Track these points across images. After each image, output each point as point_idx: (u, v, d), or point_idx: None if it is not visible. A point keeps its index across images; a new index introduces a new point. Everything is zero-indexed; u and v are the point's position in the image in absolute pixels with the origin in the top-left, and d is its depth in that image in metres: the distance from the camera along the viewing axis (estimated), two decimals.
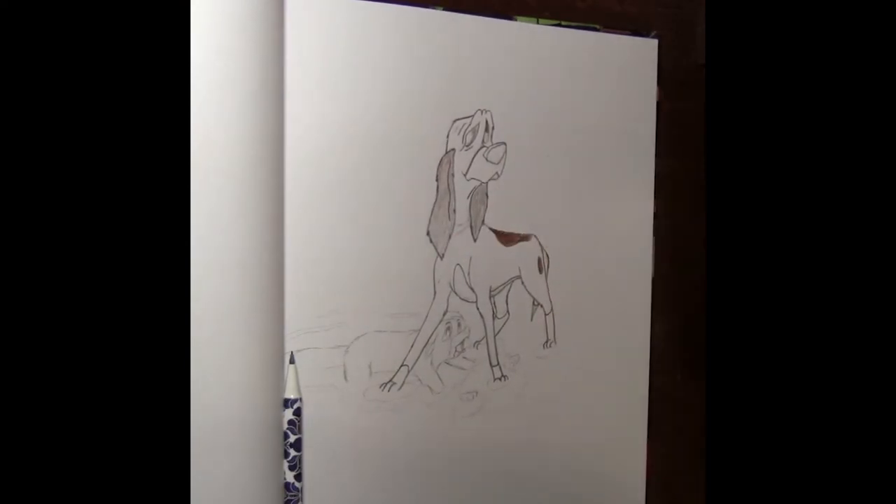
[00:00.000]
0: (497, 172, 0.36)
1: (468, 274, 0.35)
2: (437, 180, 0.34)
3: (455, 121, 0.35)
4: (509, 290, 0.36)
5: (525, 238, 0.37)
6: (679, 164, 0.40)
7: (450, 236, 0.35)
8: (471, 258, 0.35)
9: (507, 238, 0.36)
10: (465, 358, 0.36)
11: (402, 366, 0.34)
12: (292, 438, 0.32)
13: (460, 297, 0.35)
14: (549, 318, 0.37)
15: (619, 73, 0.38)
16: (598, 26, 0.37)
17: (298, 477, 0.32)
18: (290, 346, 0.32)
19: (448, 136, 0.35)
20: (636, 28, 0.38)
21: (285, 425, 0.32)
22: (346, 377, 0.33)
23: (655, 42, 0.39)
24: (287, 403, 0.32)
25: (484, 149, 0.35)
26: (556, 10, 0.37)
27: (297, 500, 0.32)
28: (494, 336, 0.36)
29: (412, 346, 0.34)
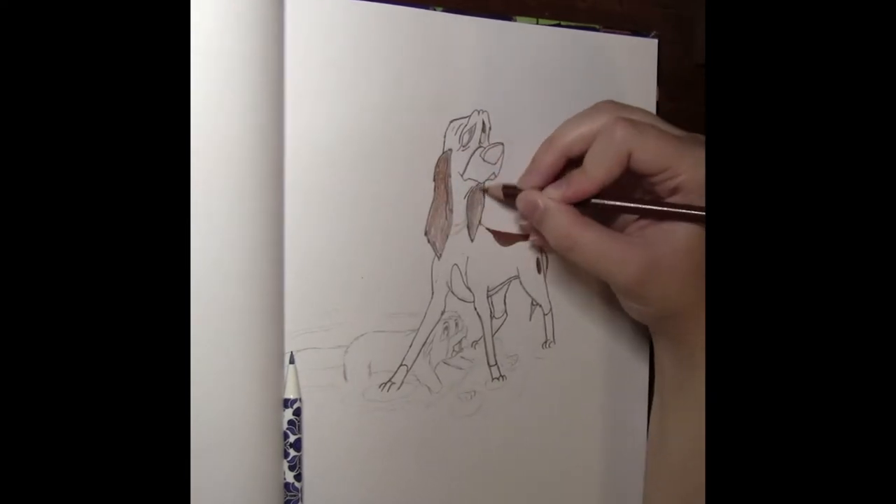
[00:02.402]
0: (494, 173, 0.36)
1: (465, 274, 0.35)
2: (433, 180, 0.35)
3: (452, 121, 0.35)
4: (507, 290, 0.36)
5: (523, 238, 0.37)
6: None
7: (447, 236, 0.35)
8: (468, 258, 0.35)
9: (504, 238, 0.36)
10: (463, 358, 0.36)
11: (401, 365, 0.34)
12: (292, 438, 0.32)
13: (458, 297, 0.35)
14: (548, 318, 0.37)
15: (619, 73, 0.38)
16: (597, 26, 0.37)
17: (298, 477, 0.32)
18: (289, 347, 0.32)
19: (445, 136, 0.35)
20: (636, 28, 0.38)
21: (285, 425, 0.32)
22: (345, 377, 0.33)
23: (655, 42, 0.38)
24: (287, 403, 0.32)
25: (481, 149, 0.35)
26: (556, 10, 0.37)
27: (297, 500, 0.32)
28: (492, 336, 0.36)
29: (410, 345, 0.34)
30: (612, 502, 0.38)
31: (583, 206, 0.33)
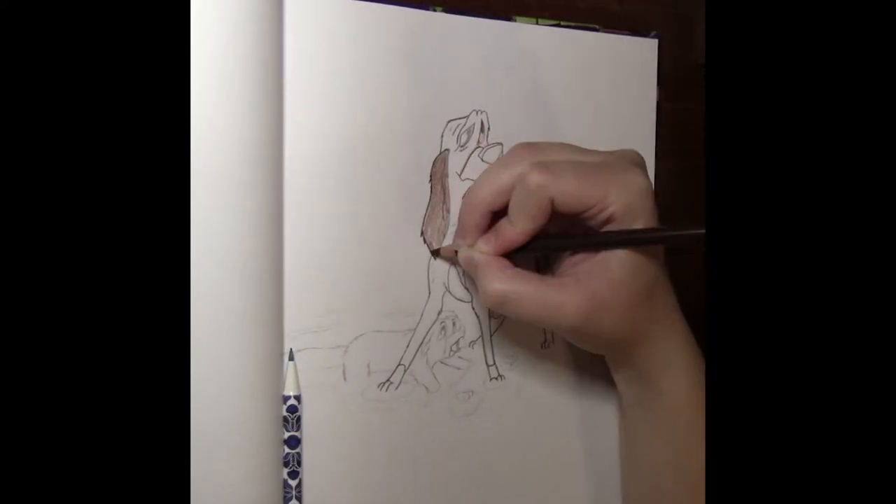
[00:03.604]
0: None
1: (462, 274, 0.35)
2: (430, 180, 0.35)
3: (449, 121, 0.35)
4: None
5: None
6: (679, 164, 0.39)
7: (444, 236, 0.35)
8: None
9: None
10: (460, 357, 0.36)
11: (398, 365, 0.34)
12: (291, 436, 0.32)
13: (455, 297, 0.35)
14: None
15: (618, 73, 0.38)
16: (597, 26, 0.37)
17: (297, 475, 0.32)
18: (289, 346, 0.32)
19: (442, 137, 0.35)
20: (636, 28, 0.38)
21: (284, 423, 0.32)
22: (345, 377, 0.33)
23: (655, 42, 0.38)
24: (286, 400, 0.32)
25: (479, 149, 0.35)
26: (556, 10, 0.37)
27: (296, 499, 0.32)
28: (490, 336, 0.36)
29: (408, 345, 0.34)
30: (611, 502, 0.38)
31: (521, 250, 0.32)
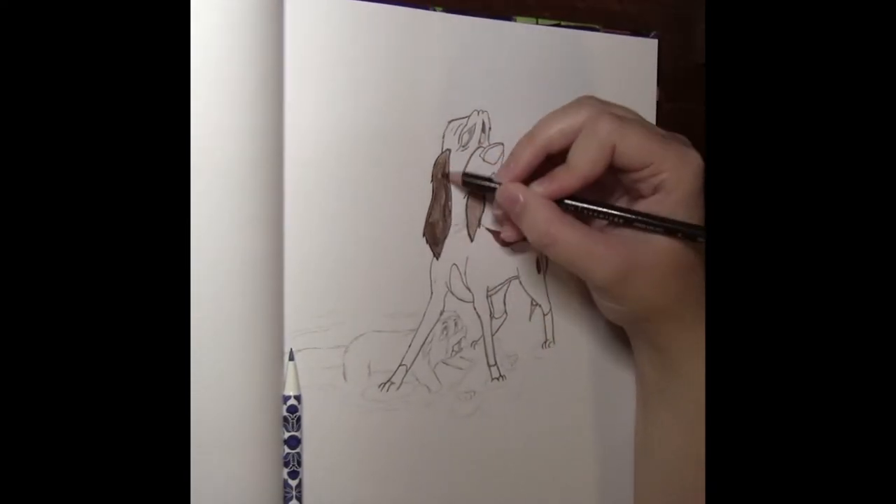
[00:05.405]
0: (494, 173, 0.36)
1: (464, 274, 0.35)
2: (432, 180, 0.35)
3: (451, 121, 0.35)
4: (507, 290, 0.36)
5: (523, 238, 0.36)
6: None
7: (445, 237, 0.35)
8: (467, 258, 0.35)
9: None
10: (462, 358, 0.36)
11: (400, 365, 0.34)
12: (292, 436, 0.32)
13: (457, 297, 0.35)
14: (548, 318, 0.37)
15: (618, 73, 0.38)
16: (597, 26, 0.37)
17: (297, 475, 0.32)
18: (289, 346, 0.32)
19: (443, 137, 0.35)
20: (636, 28, 0.38)
21: (284, 423, 0.32)
22: (345, 377, 0.33)
23: (655, 42, 0.38)
24: (286, 400, 0.32)
25: (480, 149, 0.35)
26: (556, 10, 0.37)
27: (297, 499, 0.32)
28: (492, 336, 0.36)
29: (409, 345, 0.34)
30: (610, 502, 0.38)
31: (562, 206, 0.32)
